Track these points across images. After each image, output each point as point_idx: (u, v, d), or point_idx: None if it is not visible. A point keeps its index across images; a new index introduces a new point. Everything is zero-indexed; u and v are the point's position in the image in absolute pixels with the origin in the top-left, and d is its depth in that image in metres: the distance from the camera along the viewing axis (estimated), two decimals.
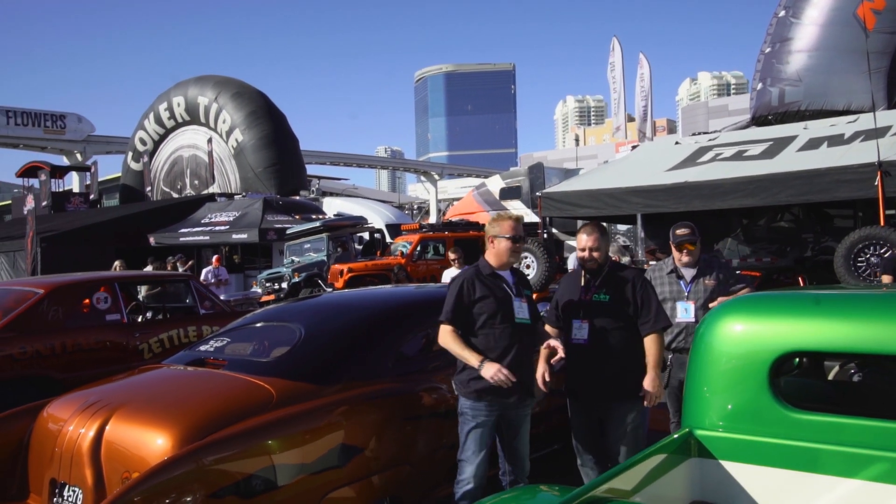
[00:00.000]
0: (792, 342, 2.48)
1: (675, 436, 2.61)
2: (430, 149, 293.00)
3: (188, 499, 2.85)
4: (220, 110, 27.13)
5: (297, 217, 19.95)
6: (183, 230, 20.53)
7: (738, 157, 10.80)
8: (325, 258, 16.42)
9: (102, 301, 6.14)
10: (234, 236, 19.47)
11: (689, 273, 4.43)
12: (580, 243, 3.76)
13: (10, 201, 39.02)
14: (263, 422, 3.15)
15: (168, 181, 30.39)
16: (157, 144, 30.30)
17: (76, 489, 3.26)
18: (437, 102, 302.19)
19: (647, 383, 3.56)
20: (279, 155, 26.34)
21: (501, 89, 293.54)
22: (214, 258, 15.36)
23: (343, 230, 17.45)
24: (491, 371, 3.31)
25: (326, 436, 3.31)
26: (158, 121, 29.88)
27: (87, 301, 6.12)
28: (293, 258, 17.12)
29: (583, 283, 3.79)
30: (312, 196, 27.23)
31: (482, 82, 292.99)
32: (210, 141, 27.47)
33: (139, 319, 7.17)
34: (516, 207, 17.71)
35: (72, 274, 7.37)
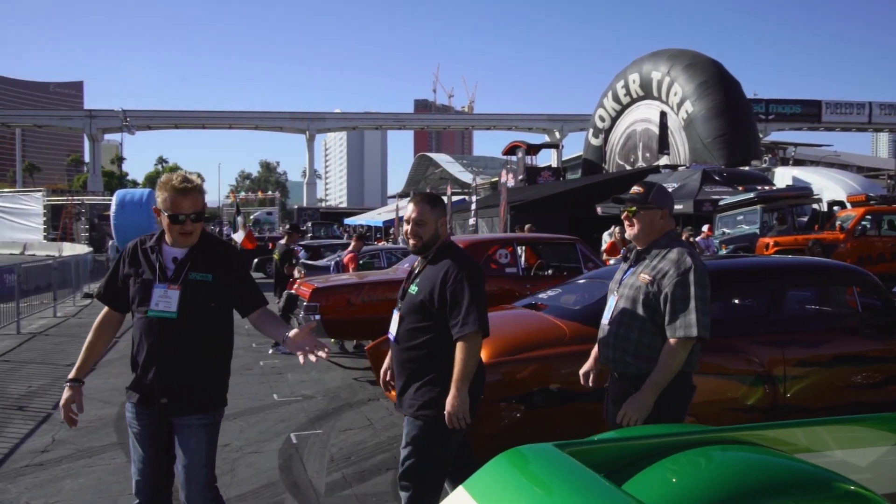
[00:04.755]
0: None
1: None
2: None
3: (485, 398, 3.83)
4: (671, 83, 27.60)
5: (741, 188, 19.30)
6: None
7: None
8: (757, 230, 15.72)
9: (503, 257, 7.64)
10: None
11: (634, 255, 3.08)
12: (405, 215, 3.07)
13: (496, 178, 46.66)
14: (552, 353, 3.95)
15: (622, 155, 32.31)
16: (613, 121, 32.46)
17: None
18: None
19: (447, 401, 2.87)
20: (729, 124, 25.57)
21: None
22: (702, 229, 16.09)
23: (781, 202, 16.32)
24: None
25: None
26: (615, 98, 31.92)
27: (493, 255, 7.69)
28: (724, 230, 16.83)
29: (413, 268, 3.16)
30: (764, 166, 25.63)
31: None
32: (662, 114, 28.22)
33: (541, 274, 8.52)
34: None
35: (484, 234, 9.11)
